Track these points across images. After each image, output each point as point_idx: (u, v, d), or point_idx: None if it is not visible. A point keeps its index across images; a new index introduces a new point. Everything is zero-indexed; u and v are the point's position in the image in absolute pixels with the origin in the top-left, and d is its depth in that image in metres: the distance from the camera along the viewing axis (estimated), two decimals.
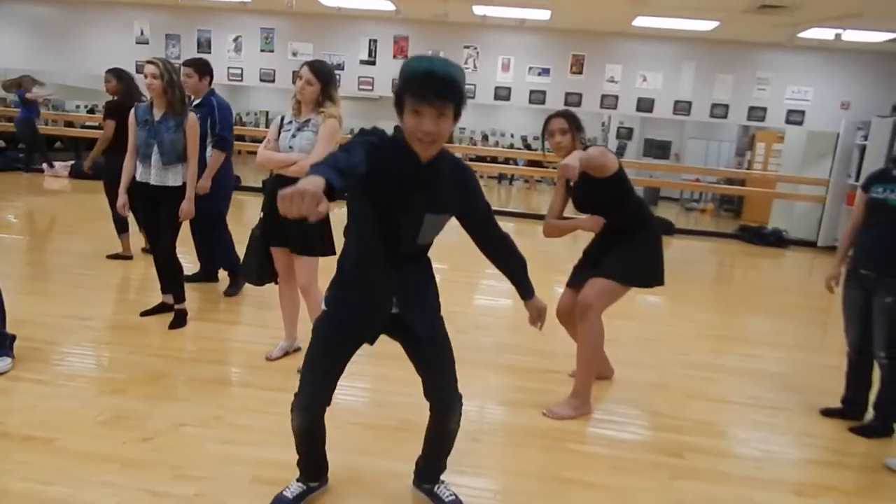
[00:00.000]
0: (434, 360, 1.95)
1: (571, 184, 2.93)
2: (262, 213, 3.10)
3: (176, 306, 3.66)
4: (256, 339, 3.47)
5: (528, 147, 16.53)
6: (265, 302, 4.02)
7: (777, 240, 8.86)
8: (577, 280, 3.12)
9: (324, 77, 2.97)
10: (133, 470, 2.16)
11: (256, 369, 3.13)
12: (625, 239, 2.95)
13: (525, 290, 2.07)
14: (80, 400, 2.65)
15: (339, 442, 2.43)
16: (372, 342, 1.90)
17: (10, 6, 9.70)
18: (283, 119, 3.07)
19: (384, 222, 1.73)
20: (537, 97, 9.27)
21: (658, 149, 15.70)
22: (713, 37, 8.58)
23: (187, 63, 4.15)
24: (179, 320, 3.62)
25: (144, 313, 3.73)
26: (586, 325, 2.89)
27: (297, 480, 2.07)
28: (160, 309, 3.75)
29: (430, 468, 2.13)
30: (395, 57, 9.42)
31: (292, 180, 2.89)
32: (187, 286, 3.72)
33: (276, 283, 3.22)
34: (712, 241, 9.26)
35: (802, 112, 8.87)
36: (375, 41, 9.43)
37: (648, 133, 15.68)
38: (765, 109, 8.95)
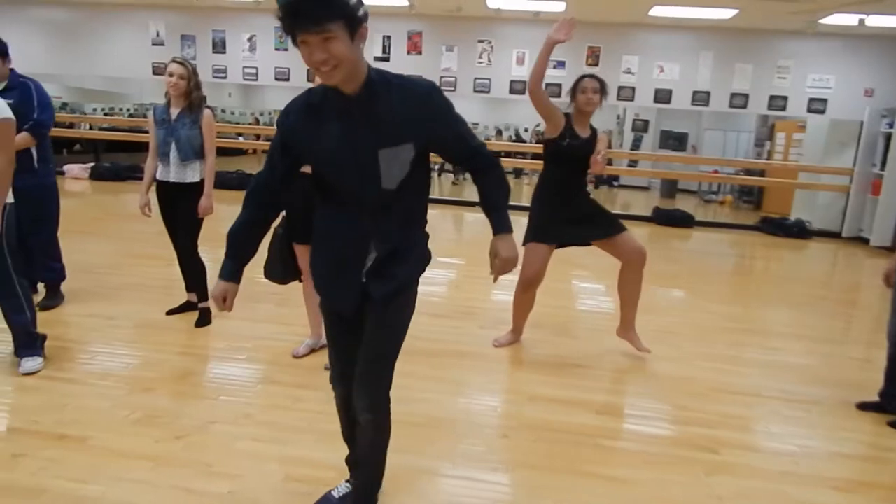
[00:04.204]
0: (375, 330, 1.71)
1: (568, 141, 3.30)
2: (284, 212, 3.10)
3: (200, 305, 3.68)
4: (281, 337, 3.48)
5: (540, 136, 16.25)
6: (287, 300, 4.03)
7: (800, 231, 8.73)
8: (569, 238, 3.39)
9: None
10: (166, 468, 2.17)
11: (282, 367, 3.13)
12: (587, 195, 3.43)
13: (499, 221, 1.72)
14: (111, 399, 2.68)
15: None
16: (347, 318, 1.75)
17: (28, 10, 9.81)
18: None
19: (337, 177, 1.61)
20: (553, 90, 9.15)
21: (674, 140, 15.54)
22: (731, 25, 8.45)
23: None
24: (204, 318, 3.64)
25: (170, 312, 3.76)
26: (642, 271, 3.45)
27: (347, 481, 2.03)
28: (185, 307, 3.78)
29: (356, 488, 1.95)
30: (409, 53, 9.41)
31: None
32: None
33: (301, 280, 3.23)
34: (733, 233, 9.14)
35: (824, 100, 8.72)
36: (389, 37, 9.41)
37: (665, 125, 15.52)
38: (785, 98, 8.80)
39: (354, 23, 1.41)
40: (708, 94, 8.96)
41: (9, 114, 2.71)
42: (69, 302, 3.87)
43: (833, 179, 9.01)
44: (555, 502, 2.13)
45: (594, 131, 3.37)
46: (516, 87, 9.34)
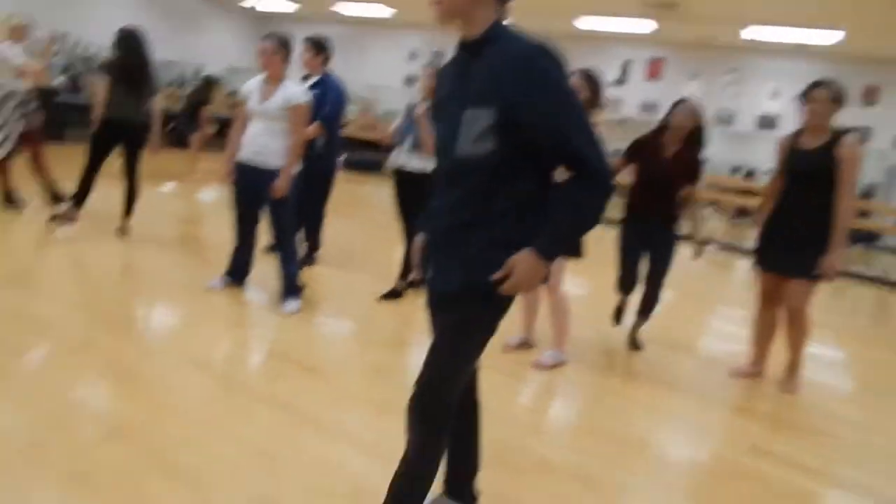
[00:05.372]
0: (437, 332, 1.52)
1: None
2: None
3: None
4: None
5: None
6: None
7: None
8: (776, 266, 3.19)
9: (594, 85, 3.01)
10: (388, 414, 2.38)
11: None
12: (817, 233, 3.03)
13: (544, 237, 1.35)
14: (348, 346, 3.03)
15: None
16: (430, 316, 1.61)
17: (306, 26, 11.62)
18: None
19: (437, 130, 1.54)
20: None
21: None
22: None
23: (306, 39, 4.16)
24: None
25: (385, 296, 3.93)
26: (802, 324, 3.19)
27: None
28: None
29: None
30: (649, 79, 9.18)
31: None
32: None
33: None
34: None
35: None
36: (630, 62, 9.29)
37: None
38: None
39: None
40: None
41: (305, 98, 3.22)
42: (321, 266, 4.44)
43: None
44: None
45: (836, 138, 2.99)
46: (765, 122, 8.57)
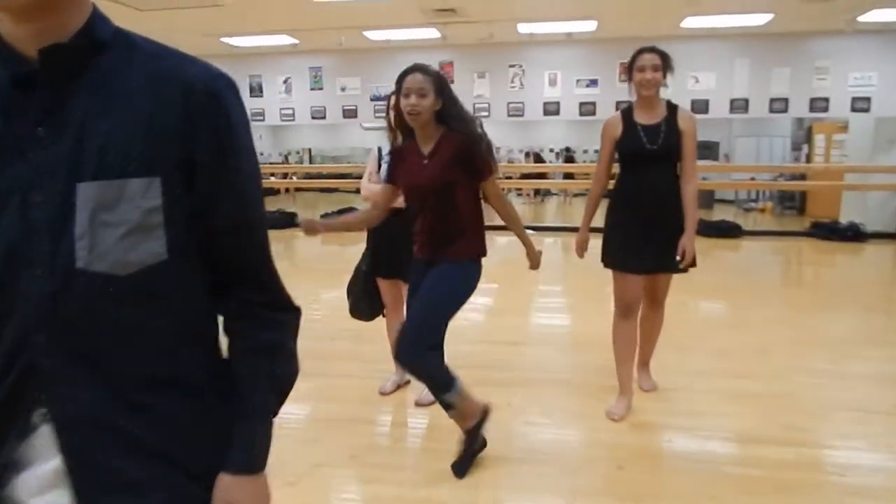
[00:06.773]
0: None
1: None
2: (366, 247, 3.10)
3: None
4: (364, 374, 3.43)
5: (569, 159, 16.39)
6: (359, 336, 3.99)
7: (855, 234, 8.47)
8: (647, 265, 2.77)
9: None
10: None
11: (372, 404, 3.09)
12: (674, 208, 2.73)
13: (245, 445, 0.83)
14: None
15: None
16: None
17: None
18: (380, 151, 3.08)
19: None
20: (587, 109, 9.19)
21: (706, 150, 15.37)
22: (767, 31, 8.37)
23: None
24: None
25: None
26: (662, 315, 3.07)
27: None
28: None
29: None
30: None
31: (399, 211, 2.93)
32: None
33: (384, 315, 3.19)
34: (784, 241, 8.92)
35: (868, 98, 8.54)
36: None
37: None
38: (827, 100, 8.64)
39: None
40: (746, 101, 8.85)
41: None
42: None
43: (884, 178, 8.77)
44: None
45: (672, 111, 2.70)
46: (549, 109, 9.35)
